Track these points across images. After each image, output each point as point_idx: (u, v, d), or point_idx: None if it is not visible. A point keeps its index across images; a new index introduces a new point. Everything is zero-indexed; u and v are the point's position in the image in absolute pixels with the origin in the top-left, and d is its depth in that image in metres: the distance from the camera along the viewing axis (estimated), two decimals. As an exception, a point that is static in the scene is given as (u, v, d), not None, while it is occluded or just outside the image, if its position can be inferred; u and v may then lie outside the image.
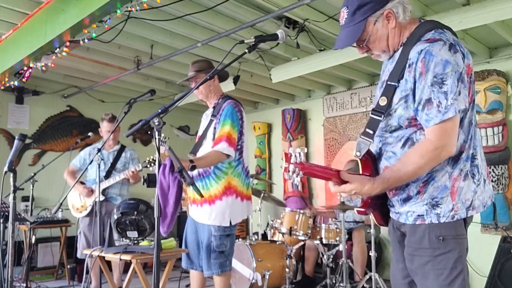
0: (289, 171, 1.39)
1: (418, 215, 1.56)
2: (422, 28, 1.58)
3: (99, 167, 3.45)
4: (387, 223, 1.77)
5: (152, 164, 3.74)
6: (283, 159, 1.40)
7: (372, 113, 1.62)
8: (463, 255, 1.55)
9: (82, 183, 4.19)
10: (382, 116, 1.59)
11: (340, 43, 1.64)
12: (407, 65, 1.55)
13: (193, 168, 2.57)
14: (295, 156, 1.39)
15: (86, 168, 3.53)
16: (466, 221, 1.57)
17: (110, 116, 4.20)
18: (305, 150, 1.38)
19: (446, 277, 1.51)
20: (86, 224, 4.15)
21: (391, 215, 1.70)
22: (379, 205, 1.71)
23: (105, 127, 4.20)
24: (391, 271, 1.83)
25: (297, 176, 1.40)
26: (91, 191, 4.11)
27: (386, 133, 1.63)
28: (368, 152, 1.64)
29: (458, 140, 1.52)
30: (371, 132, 1.60)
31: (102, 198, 3.94)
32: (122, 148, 4.31)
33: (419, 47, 1.52)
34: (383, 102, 1.59)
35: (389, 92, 1.58)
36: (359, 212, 1.70)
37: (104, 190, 4.07)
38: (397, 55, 1.63)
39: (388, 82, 1.60)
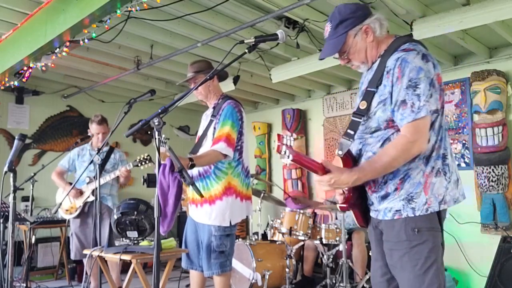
0: (281, 150, 1.52)
1: (396, 210, 1.70)
2: (397, 42, 1.78)
3: (99, 167, 3.46)
4: (368, 224, 1.90)
5: (143, 163, 3.75)
6: (275, 141, 1.54)
7: (353, 116, 1.79)
8: (437, 246, 1.67)
9: (70, 183, 4.18)
10: (362, 118, 1.76)
11: (324, 53, 1.85)
12: (385, 72, 1.72)
13: (192, 166, 2.58)
14: (287, 139, 1.51)
15: (87, 167, 3.52)
16: (440, 215, 1.70)
17: (100, 118, 4.19)
18: (295, 136, 1.52)
19: (421, 266, 1.64)
20: (77, 226, 4.13)
21: (370, 214, 1.83)
22: (361, 204, 1.84)
23: (94, 129, 4.19)
24: (371, 271, 1.96)
25: (288, 158, 1.53)
26: (79, 193, 4.11)
27: (366, 135, 1.78)
28: (349, 152, 1.80)
29: (430, 141, 1.68)
30: (352, 132, 1.76)
31: (92, 198, 3.95)
32: (111, 150, 4.30)
33: (396, 55, 1.70)
34: (363, 106, 1.76)
35: (368, 97, 1.76)
36: (341, 208, 1.82)
37: (94, 190, 4.08)
38: (375, 66, 1.81)
39: (368, 88, 1.77)
